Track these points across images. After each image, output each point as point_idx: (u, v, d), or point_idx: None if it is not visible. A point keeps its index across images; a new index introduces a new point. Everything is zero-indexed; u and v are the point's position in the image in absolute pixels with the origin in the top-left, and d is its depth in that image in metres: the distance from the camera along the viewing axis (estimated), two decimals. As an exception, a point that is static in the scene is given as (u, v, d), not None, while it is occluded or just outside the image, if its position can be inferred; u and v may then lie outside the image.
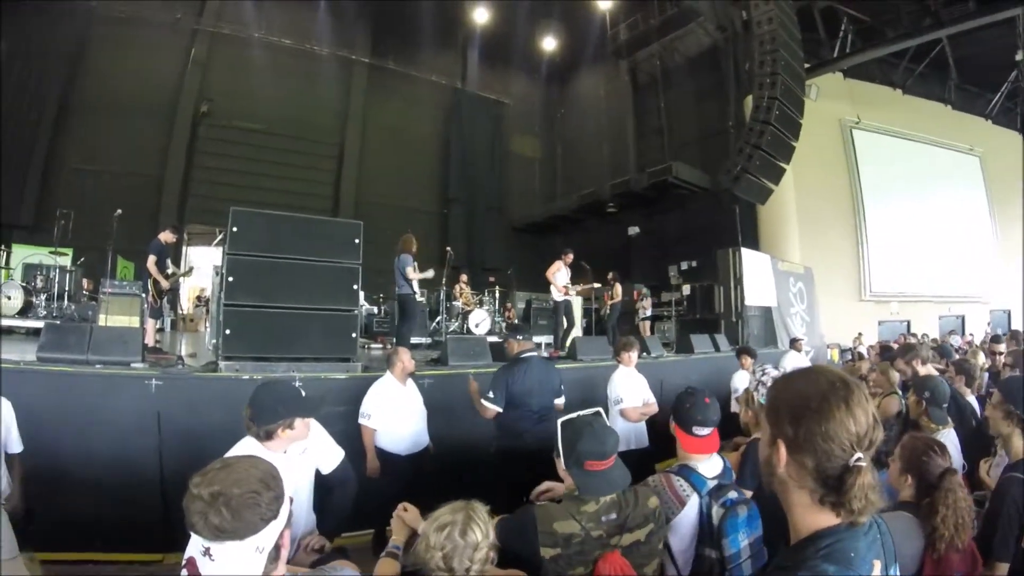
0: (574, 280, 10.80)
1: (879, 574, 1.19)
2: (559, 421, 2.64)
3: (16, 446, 3.49)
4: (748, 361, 8.00)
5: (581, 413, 2.65)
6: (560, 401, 5.27)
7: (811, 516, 1.21)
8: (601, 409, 2.75)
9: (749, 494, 2.89)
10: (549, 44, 26.07)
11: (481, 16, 23.94)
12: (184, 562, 1.36)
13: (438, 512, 2.07)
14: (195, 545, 1.35)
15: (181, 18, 19.64)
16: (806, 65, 17.70)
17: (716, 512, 2.54)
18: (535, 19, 24.60)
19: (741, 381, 7.54)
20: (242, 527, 1.34)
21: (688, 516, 2.62)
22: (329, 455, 3.23)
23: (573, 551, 2.32)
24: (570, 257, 10.54)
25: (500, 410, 4.88)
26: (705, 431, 2.81)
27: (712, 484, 2.69)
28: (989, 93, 24.22)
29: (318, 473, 3.22)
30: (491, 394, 4.89)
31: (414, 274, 9.14)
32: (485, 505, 2.14)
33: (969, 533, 2.43)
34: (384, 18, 22.71)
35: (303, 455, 3.04)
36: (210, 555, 1.33)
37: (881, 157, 22.71)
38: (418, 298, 9.35)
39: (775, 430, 1.26)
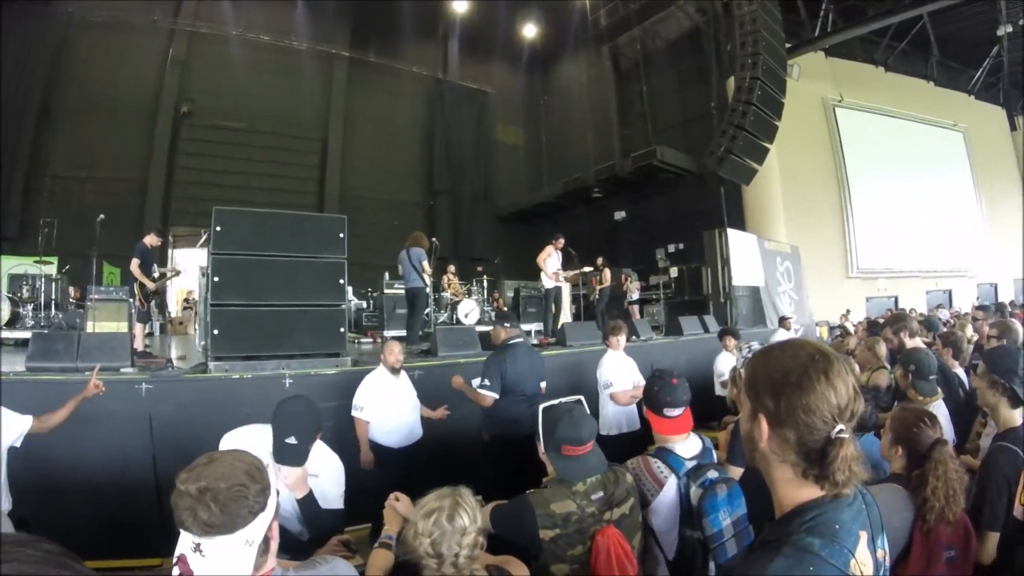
0: (562, 266, 10.76)
1: (866, 545, 1.18)
2: (540, 407, 2.70)
3: (18, 436, 3.43)
4: (731, 342, 7.98)
5: (562, 400, 2.71)
6: (543, 384, 5.42)
7: (795, 490, 1.21)
8: (582, 397, 2.80)
9: (740, 472, 2.91)
10: (530, 31, 25.84)
11: (460, 6, 23.76)
12: (175, 559, 1.36)
13: (425, 499, 2.07)
14: (185, 542, 1.35)
15: (158, 19, 19.40)
16: (787, 45, 17.75)
17: (695, 492, 2.57)
18: (515, 7, 24.44)
19: (725, 363, 7.48)
20: (231, 521, 1.34)
21: (667, 497, 2.65)
22: (331, 498, 3.04)
23: (572, 529, 2.40)
24: (561, 242, 10.46)
25: (497, 396, 4.95)
26: (676, 412, 2.83)
27: (690, 464, 2.71)
28: (971, 69, 24.41)
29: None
30: (486, 381, 4.96)
31: (429, 268, 9.39)
32: (475, 493, 2.14)
33: (960, 505, 2.40)
34: (363, 11, 22.44)
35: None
36: (200, 551, 1.33)
37: (865, 135, 22.84)
38: (428, 291, 9.48)
39: (755, 404, 1.25)
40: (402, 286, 9.99)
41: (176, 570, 1.35)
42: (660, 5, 21.39)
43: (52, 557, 0.88)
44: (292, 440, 2.71)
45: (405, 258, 9.34)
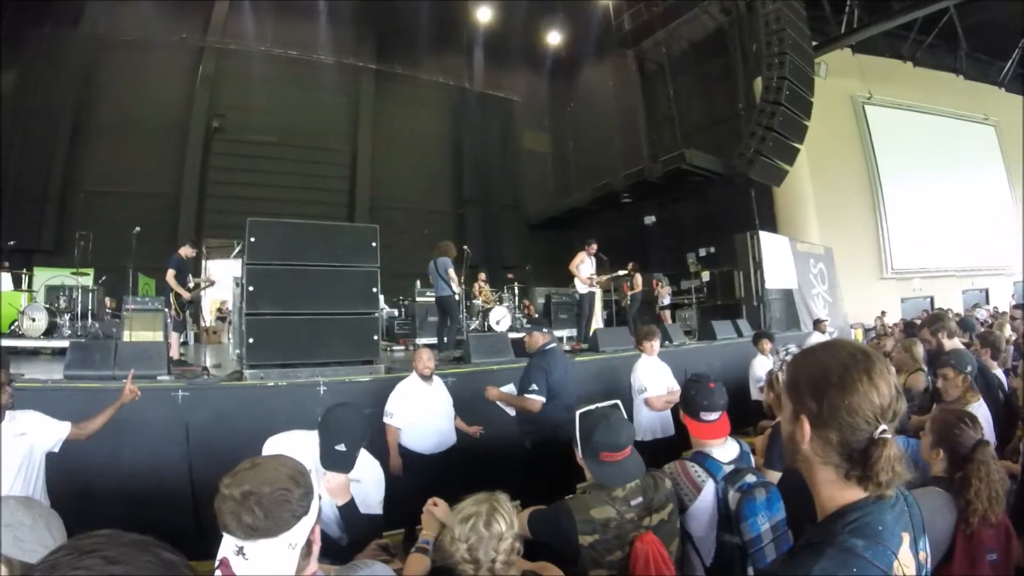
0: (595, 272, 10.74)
1: (908, 547, 1.17)
2: (577, 413, 2.69)
3: (56, 442, 3.45)
4: (767, 346, 7.90)
5: (599, 405, 2.70)
6: None
7: (837, 492, 1.20)
8: (619, 401, 2.78)
9: (778, 476, 2.88)
10: (554, 39, 25.77)
11: (484, 15, 23.78)
12: (217, 563, 1.37)
13: (462, 504, 2.07)
14: (228, 545, 1.36)
15: (186, 37, 19.81)
16: (813, 43, 17.57)
17: (733, 497, 2.54)
18: (538, 15, 24.45)
19: (762, 367, 7.41)
20: (274, 524, 1.35)
21: (705, 502, 2.62)
22: (372, 504, 3.05)
23: (611, 535, 2.40)
24: (593, 248, 10.49)
25: (545, 400, 4.95)
26: (713, 416, 2.81)
27: (728, 469, 2.68)
28: (1000, 60, 23.87)
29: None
30: (534, 386, 4.95)
31: (456, 276, 9.54)
32: (512, 498, 2.14)
33: (1002, 507, 2.37)
34: (388, 24, 22.71)
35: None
36: (243, 554, 1.34)
37: (895, 132, 22.50)
38: (457, 299, 9.59)
39: (797, 406, 1.24)
40: (433, 294, 10.08)
41: (219, 573, 1.36)
42: (684, 7, 21.28)
43: (170, 570, 0.86)
44: (341, 447, 2.70)
45: (433, 268, 9.50)
